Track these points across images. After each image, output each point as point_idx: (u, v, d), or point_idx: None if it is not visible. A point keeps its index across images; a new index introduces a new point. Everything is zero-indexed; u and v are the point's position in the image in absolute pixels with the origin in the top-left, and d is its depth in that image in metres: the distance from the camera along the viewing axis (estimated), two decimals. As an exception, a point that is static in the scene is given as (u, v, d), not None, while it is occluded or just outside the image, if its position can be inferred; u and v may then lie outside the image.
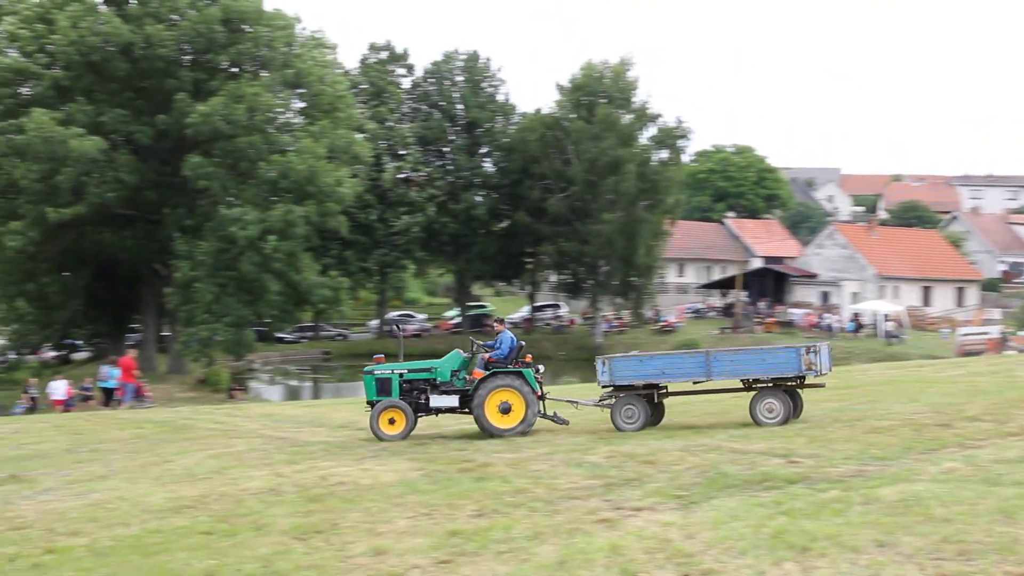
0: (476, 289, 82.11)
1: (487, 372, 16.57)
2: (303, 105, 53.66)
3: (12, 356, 52.53)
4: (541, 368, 17.60)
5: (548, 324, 76.31)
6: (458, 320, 77.19)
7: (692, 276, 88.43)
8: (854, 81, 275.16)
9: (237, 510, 10.88)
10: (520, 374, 16.64)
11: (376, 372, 17.13)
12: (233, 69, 50.70)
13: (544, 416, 16.95)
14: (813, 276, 79.22)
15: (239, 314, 48.22)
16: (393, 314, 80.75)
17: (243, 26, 49.12)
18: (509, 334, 17.36)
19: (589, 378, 50.08)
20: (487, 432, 16.10)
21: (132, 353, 37.53)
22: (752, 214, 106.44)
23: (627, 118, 66.45)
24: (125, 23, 46.74)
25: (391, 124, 69.10)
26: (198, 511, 11.05)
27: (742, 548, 7.56)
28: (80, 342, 58.86)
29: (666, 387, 17.08)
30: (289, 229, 47.43)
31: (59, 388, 34.62)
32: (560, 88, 68.99)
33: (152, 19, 46.93)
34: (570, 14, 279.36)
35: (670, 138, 68.55)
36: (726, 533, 8.06)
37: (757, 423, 15.51)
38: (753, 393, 16.10)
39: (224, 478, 13.30)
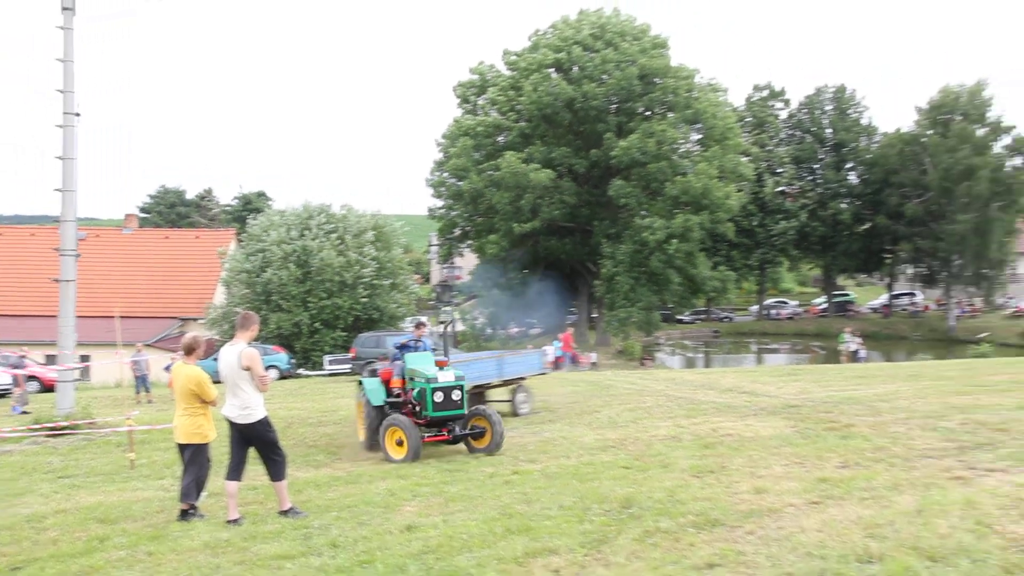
0: (841, 280, 77.87)
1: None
2: (699, 136, 53.34)
3: (488, 331, 56.09)
4: None
5: (904, 310, 70.92)
6: (824, 307, 73.81)
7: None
8: None
9: (648, 451, 10.97)
10: None
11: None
12: (646, 112, 51.32)
13: None
14: None
15: (649, 300, 48.89)
16: (769, 301, 78.53)
17: (655, 79, 49.64)
18: None
19: (942, 355, 46.10)
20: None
21: (570, 330, 39.19)
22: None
23: (981, 131, 59.94)
24: (569, 84, 48.89)
25: (770, 148, 67.16)
26: (619, 450, 11.28)
27: (1094, 512, 6.52)
28: (534, 321, 62.09)
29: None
30: (687, 234, 47.35)
31: (549, 352, 36.26)
32: (918, 110, 63.74)
33: (588, 80, 48.72)
34: (926, 42, 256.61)
35: (1024, 146, 61.00)
36: (1080, 497, 7.02)
37: (517, 414, 15.43)
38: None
39: (638, 427, 13.48)
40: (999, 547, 5.74)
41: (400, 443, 11.31)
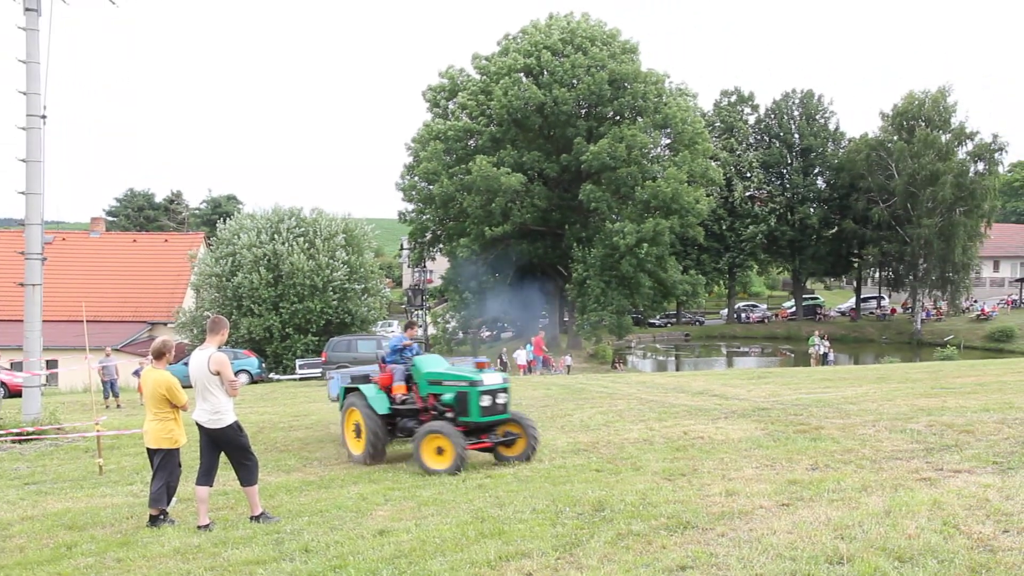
0: (809, 284, 78.78)
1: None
2: (669, 141, 53.62)
3: (460, 334, 55.98)
4: None
5: (872, 313, 71.90)
6: (794, 310, 74.52)
7: (1007, 271, 79.40)
8: None
9: (620, 454, 11.00)
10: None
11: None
12: (616, 117, 51.54)
13: None
14: None
15: (620, 304, 49.00)
16: (739, 304, 79.15)
17: (624, 84, 49.84)
18: None
19: (909, 357, 46.72)
20: None
21: (542, 333, 39.27)
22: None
23: (945, 137, 60.88)
24: (539, 89, 48.95)
25: (739, 152, 67.68)
26: (591, 453, 11.29)
27: (1058, 512, 6.64)
28: (505, 325, 62.12)
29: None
30: (658, 238, 47.53)
31: (521, 356, 36.47)
32: (883, 115, 64.60)
33: (558, 84, 48.77)
34: (893, 48, 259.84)
35: (987, 152, 61.74)
36: (1042, 497, 7.14)
37: None
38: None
39: (609, 429, 13.49)
40: (965, 547, 5.82)
41: (441, 452, 10.27)
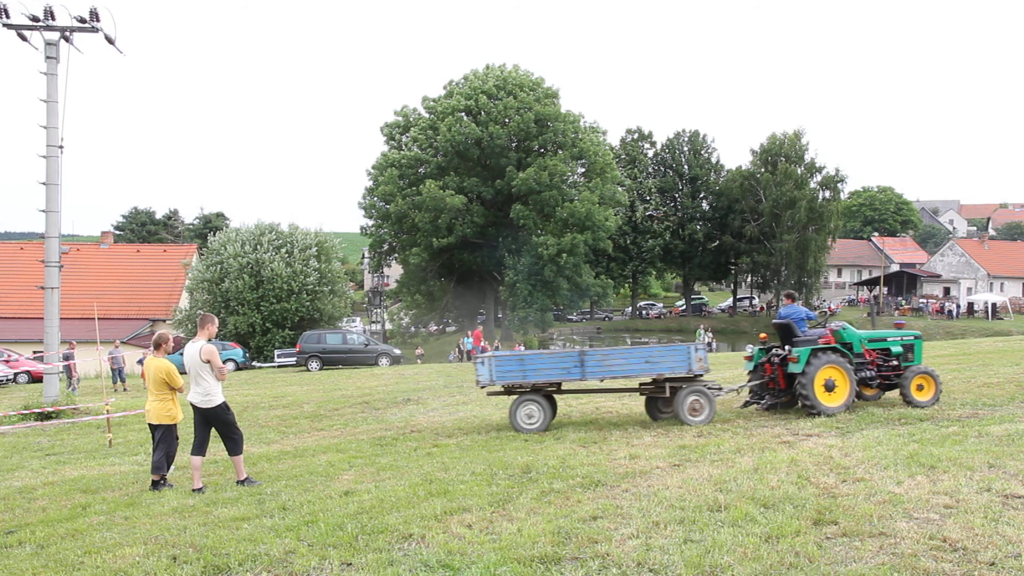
0: (696, 286, 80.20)
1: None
2: (583, 170, 54.06)
3: (412, 328, 55.60)
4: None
5: (745, 310, 73.53)
6: (684, 308, 75.74)
7: (847, 277, 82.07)
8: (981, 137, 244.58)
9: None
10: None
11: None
12: (541, 150, 51.74)
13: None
14: (937, 276, 71.62)
15: (543, 303, 49.28)
16: (640, 303, 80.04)
17: (548, 123, 50.11)
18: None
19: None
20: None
21: (480, 328, 39.21)
22: (892, 234, 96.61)
23: (800, 170, 62.77)
24: (477, 126, 48.92)
25: (640, 180, 68.46)
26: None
27: (885, 464, 6.90)
28: (449, 320, 61.88)
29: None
30: (574, 249, 47.93)
31: (467, 344, 36.13)
32: (753, 151, 66.35)
33: (493, 123, 48.80)
34: (764, 96, 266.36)
35: (832, 182, 64.04)
36: (873, 454, 7.40)
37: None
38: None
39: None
40: (814, 495, 6.02)
41: (921, 388, 10.70)
